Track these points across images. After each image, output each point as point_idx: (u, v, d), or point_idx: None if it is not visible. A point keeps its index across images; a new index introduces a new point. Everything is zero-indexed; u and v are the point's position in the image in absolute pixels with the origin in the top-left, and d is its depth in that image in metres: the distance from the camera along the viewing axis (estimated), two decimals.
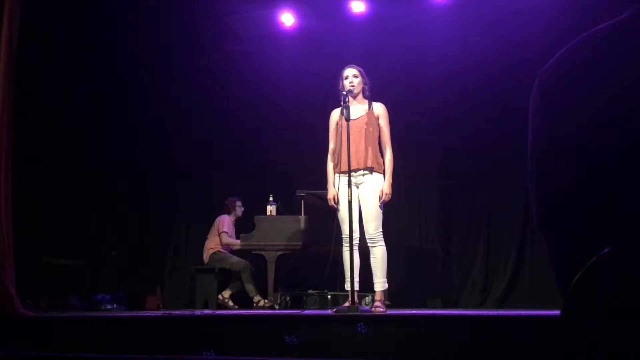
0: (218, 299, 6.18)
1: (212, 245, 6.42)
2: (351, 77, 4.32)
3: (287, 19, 6.76)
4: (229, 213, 6.56)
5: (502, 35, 6.05)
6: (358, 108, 4.33)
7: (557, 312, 1.15)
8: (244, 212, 6.58)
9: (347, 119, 4.05)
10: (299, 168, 6.48)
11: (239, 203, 6.59)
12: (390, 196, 4.21)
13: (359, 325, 3.01)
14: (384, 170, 4.27)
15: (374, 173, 4.22)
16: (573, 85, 1.25)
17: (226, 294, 6.23)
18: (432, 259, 6.34)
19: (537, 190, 1.29)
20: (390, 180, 4.23)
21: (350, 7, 6.55)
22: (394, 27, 6.53)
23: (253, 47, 6.96)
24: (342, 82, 4.32)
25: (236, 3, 6.45)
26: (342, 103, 4.13)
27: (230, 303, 6.19)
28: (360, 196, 4.24)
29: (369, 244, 4.20)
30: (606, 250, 1.06)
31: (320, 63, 6.49)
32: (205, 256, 6.42)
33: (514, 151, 5.78)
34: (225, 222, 6.45)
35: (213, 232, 6.48)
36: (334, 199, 4.26)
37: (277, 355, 3.02)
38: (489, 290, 6.02)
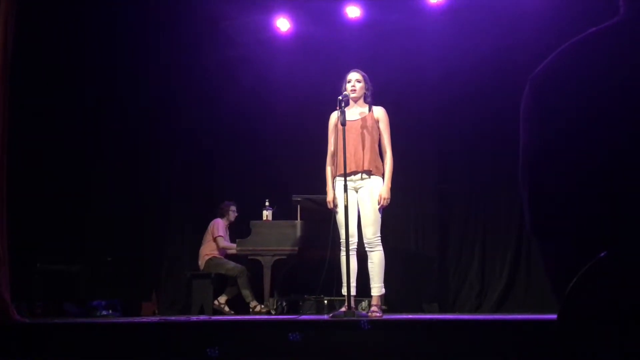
0: (214, 304, 6.16)
1: (207, 251, 6.39)
2: (354, 81, 4.34)
3: (283, 24, 6.77)
4: (222, 217, 6.53)
5: (498, 39, 6.06)
6: (358, 111, 4.35)
7: (554, 316, 1.15)
8: (236, 217, 6.57)
9: (343, 124, 4.05)
10: (295, 173, 6.48)
11: (233, 208, 6.57)
12: (389, 201, 4.20)
13: (362, 321, 3.00)
14: (383, 174, 4.27)
15: (372, 177, 4.22)
16: (564, 90, 1.25)
17: (222, 299, 6.21)
18: (428, 263, 6.34)
19: (529, 195, 1.29)
20: (390, 185, 4.23)
21: (346, 12, 6.57)
22: (389, 32, 6.55)
23: (249, 53, 6.96)
24: (345, 85, 4.34)
25: (232, 8, 6.45)
26: (337, 107, 4.14)
27: (226, 308, 6.16)
28: (359, 200, 4.24)
29: (366, 249, 4.19)
30: (602, 254, 1.06)
31: (315, 68, 6.50)
32: (201, 262, 6.39)
33: (511, 155, 5.73)
34: (219, 226, 6.43)
35: (207, 237, 6.45)
36: (333, 201, 4.26)
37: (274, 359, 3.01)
38: (486, 294, 6.02)
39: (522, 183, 1.32)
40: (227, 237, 6.50)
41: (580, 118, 1.21)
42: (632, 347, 1.03)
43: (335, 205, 4.23)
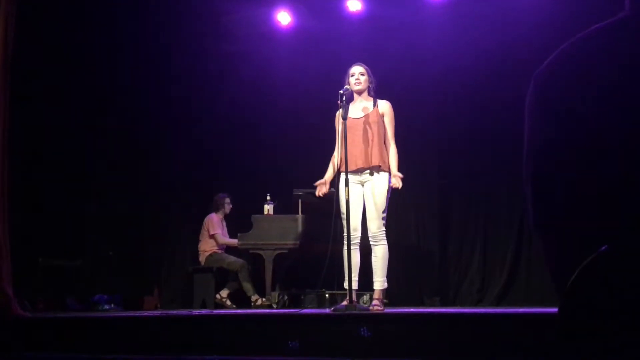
0: (215, 298, 6.17)
1: (206, 247, 6.39)
2: (357, 74, 4.34)
3: (283, 17, 6.75)
4: (216, 210, 6.52)
5: (499, 34, 6.04)
6: (363, 106, 4.34)
7: (555, 309, 1.16)
8: (232, 209, 6.57)
9: (344, 118, 4.06)
10: (296, 167, 6.47)
11: (227, 200, 6.56)
12: (401, 180, 4.21)
13: (362, 329, 3.01)
14: (389, 168, 4.28)
15: (380, 172, 4.23)
16: (569, 85, 1.25)
17: (224, 293, 6.22)
18: (429, 257, 6.35)
19: (533, 190, 1.29)
20: (397, 169, 4.26)
21: (347, 6, 6.55)
22: (390, 26, 6.53)
23: (249, 47, 6.95)
24: (348, 79, 4.33)
25: (232, 2, 6.44)
26: (338, 102, 4.14)
27: (228, 302, 6.18)
28: (365, 194, 4.25)
29: (371, 243, 4.21)
30: (603, 248, 1.06)
31: (316, 62, 6.49)
32: (202, 259, 6.40)
33: (512, 149, 5.77)
34: (214, 223, 6.41)
35: (204, 234, 6.44)
36: (320, 188, 4.36)
37: (276, 355, 3.02)
38: (487, 288, 6.02)
39: (525, 178, 1.32)
40: (225, 231, 6.50)
41: (584, 114, 1.21)
42: (632, 341, 1.04)
43: (325, 196, 4.29)
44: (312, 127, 5.95)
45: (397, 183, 4.20)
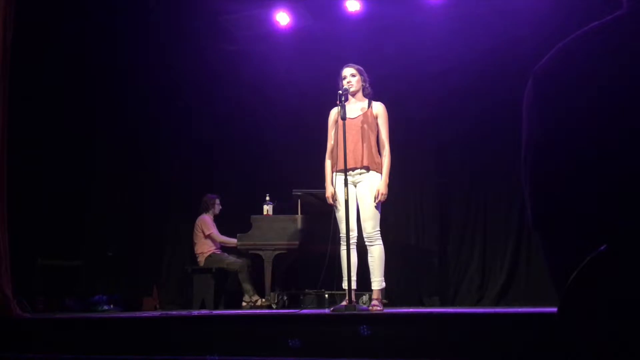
0: (242, 305, 6.09)
1: (204, 249, 6.37)
2: (349, 76, 4.32)
3: (282, 18, 6.76)
4: (206, 210, 6.51)
5: (497, 33, 6.05)
6: (357, 107, 4.33)
7: (554, 309, 1.16)
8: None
9: (343, 118, 4.06)
10: (295, 167, 6.48)
11: (217, 201, 6.55)
12: (386, 196, 4.20)
13: (361, 327, 3.00)
14: (381, 170, 4.27)
15: (371, 172, 4.22)
16: (567, 83, 1.25)
17: (247, 298, 6.14)
18: (428, 257, 6.35)
19: (531, 188, 1.29)
20: (387, 180, 4.23)
21: (346, 6, 6.56)
22: (389, 26, 6.54)
23: (248, 47, 6.96)
24: (341, 82, 4.32)
25: (231, 3, 6.44)
26: (337, 102, 4.14)
27: (259, 302, 6.10)
28: (358, 195, 4.24)
29: (366, 243, 4.20)
30: (602, 248, 1.06)
31: (315, 62, 6.49)
32: (201, 260, 6.37)
33: (511, 148, 5.78)
34: (207, 223, 6.40)
35: (198, 235, 6.41)
36: (332, 197, 4.26)
37: (276, 355, 3.02)
38: (486, 288, 6.03)
39: (524, 177, 1.32)
40: (217, 230, 6.49)
41: (582, 111, 1.21)
42: (632, 341, 1.03)
43: (335, 200, 4.24)
44: (311, 127, 5.93)
45: (380, 197, 4.16)
